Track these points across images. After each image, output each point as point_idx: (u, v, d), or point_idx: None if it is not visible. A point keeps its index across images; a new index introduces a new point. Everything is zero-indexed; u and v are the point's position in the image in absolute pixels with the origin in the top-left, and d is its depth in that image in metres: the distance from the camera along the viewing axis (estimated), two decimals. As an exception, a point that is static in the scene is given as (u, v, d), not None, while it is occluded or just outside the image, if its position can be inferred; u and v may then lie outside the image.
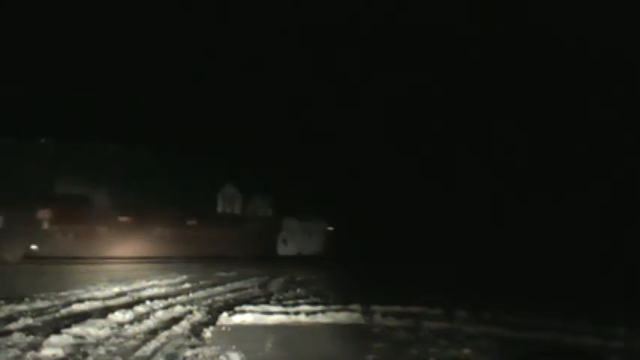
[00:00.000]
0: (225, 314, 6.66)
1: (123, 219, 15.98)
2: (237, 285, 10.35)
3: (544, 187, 21.14)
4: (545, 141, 22.38)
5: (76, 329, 5.42)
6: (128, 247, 15.75)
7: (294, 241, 20.85)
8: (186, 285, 9.98)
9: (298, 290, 10.01)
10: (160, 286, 9.50)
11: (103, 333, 5.44)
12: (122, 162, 16.51)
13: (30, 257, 13.73)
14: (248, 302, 8.02)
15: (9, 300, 6.91)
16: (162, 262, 15.02)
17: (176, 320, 6.30)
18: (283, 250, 20.48)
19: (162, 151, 17.71)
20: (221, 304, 7.90)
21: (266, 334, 5.84)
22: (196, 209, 18.08)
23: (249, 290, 9.78)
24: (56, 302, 7.18)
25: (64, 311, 6.57)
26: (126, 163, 16.57)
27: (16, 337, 5.09)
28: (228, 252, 17.68)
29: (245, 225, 19.24)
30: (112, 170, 16.12)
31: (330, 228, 21.73)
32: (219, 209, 19.08)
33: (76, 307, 6.82)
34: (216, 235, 18.07)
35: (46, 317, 6.17)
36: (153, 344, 5.11)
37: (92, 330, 5.45)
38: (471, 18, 22.55)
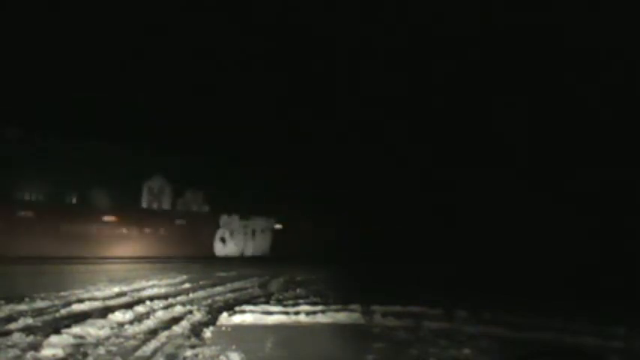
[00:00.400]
0: (225, 314, 6.66)
1: (24, 214, 14.45)
2: (237, 285, 10.35)
3: (544, 187, 21.14)
4: (546, 140, 22.39)
5: (76, 329, 5.43)
6: (59, 246, 14.30)
7: (236, 240, 19.24)
8: (186, 285, 9.98)
9: (298, 290, 10.01)
10: (159, 286, 9.50)
11: (103, 333, 5.45)
12: (38, 155, 14.94)
13: None
14: (248, 302, 8.03)
15: (9, 300, 6.92)
16: (161, 262, 15.02)
17: (176, 320, 6.31)
18: (222, 249, 18.78)
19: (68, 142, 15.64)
20: (221, 304, 7.90)
21: (266, 334, 5.84)
22: (116, 204, 16.08)
23: (249, 290, 9.79)
24: (56, 302, 7.18)
25: (64, 311, 6.57)
26: (44, 156, 15.01)
27: (16, 337, 5.10)
28: (155, 252, 16.16)
29: (175, 222, 17.55)
30: (24, 164, 14.66)
31: (279, 226, 20.24)
32: (144, 204, 17.15)
33: (76, 307, 6.83)
34: (138, 233, 16.54)
35: (46, 317, 6.18)
36: (153, 344, 5.12)
37: (92, 330, 5.46)
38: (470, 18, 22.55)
